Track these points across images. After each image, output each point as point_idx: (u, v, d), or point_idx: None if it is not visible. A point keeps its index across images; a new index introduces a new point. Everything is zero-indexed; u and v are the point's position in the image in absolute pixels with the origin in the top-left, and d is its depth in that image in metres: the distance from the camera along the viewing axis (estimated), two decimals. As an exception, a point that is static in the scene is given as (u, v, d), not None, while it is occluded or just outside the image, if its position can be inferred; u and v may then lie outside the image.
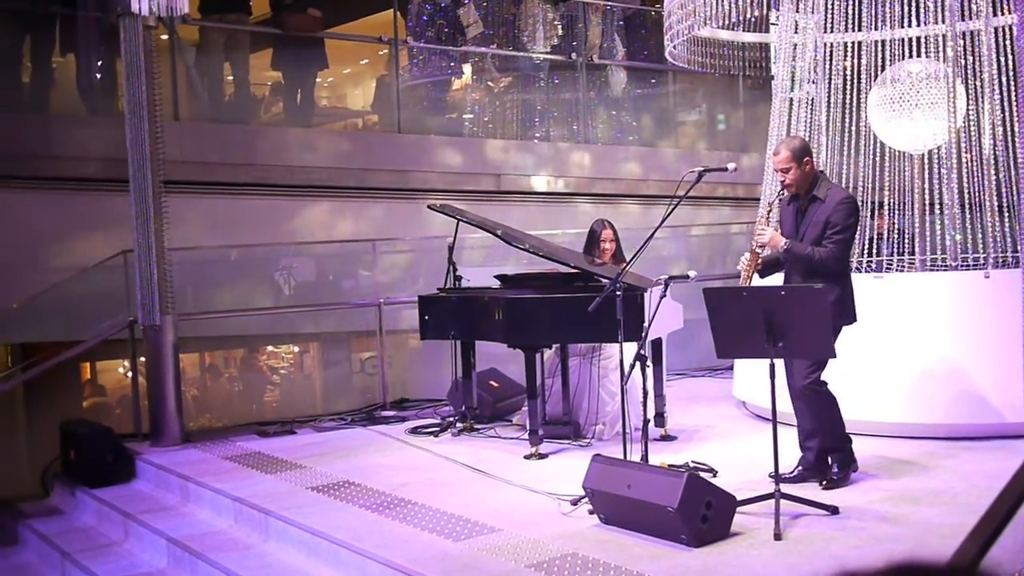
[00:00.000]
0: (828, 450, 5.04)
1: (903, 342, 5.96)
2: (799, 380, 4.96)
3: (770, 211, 5.08)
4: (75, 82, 8.52)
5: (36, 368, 7.59)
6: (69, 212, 7.99)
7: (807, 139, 6.46)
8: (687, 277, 5.28)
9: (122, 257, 7.64)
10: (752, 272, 4.97)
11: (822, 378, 4.96)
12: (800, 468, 5.09)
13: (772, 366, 4.49)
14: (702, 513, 4.22)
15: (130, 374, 9.65)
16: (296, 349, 10.63)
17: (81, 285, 7.97)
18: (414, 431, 6.91)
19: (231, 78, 9.20)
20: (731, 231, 10.67)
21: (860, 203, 6.64)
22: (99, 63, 8.58)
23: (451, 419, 6.94)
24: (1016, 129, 5.97)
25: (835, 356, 4.59)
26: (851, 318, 5.01)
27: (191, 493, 6.04)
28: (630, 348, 5.18)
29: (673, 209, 4.94)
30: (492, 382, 7.28)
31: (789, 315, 4.39)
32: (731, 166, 5.06)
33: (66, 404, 8.74)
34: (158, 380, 7.00)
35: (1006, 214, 6.34)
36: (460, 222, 6.74)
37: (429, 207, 6.91)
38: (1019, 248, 6.12)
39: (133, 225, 6.86)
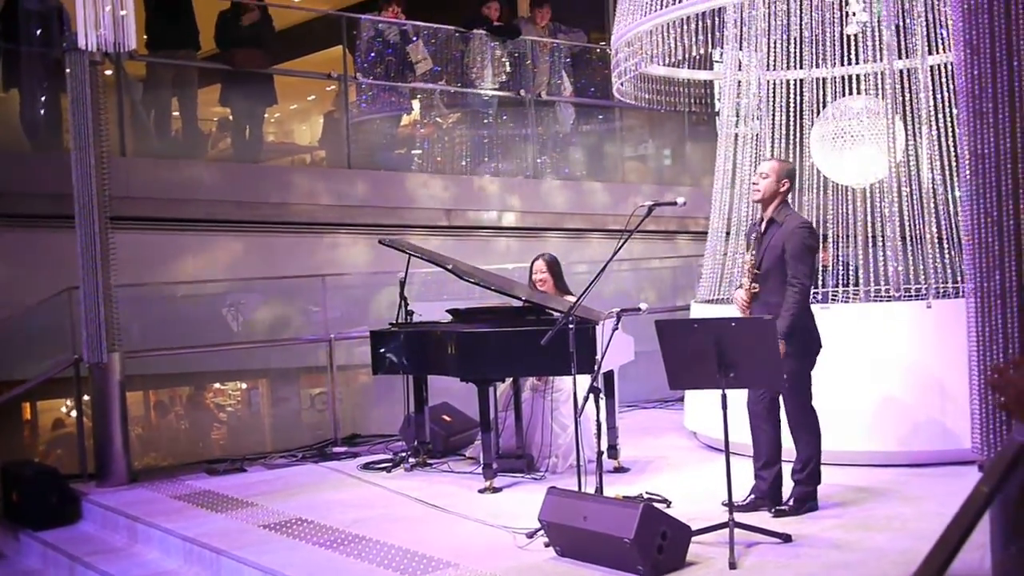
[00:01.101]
0: (797, 482, 5.09)
1: (848, 371, 6.08)
2: (788, 405, 5.05)
3: (749, 247, 5.15)
4: (19, 117, 8.41)
5: (-23, 408, 7.42)
6: (11, 249, 7.86)
7: (751, 174, 6.62)
8: (638, 310, 5.34)
9: (66, 295, 7.52)
10: (749, 306, 5.05)
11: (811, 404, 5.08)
12: (753, 496, 5.15)
13: (724, 396, 4.56)
14: (658, 543, 4.25)
15: (73, 413, 9.48)
16: (244, 386, 10.51)
17: (22, 323, 7.82)
18: (366, 467, 6.87)
19: (177, 114, 9.15)
20: (678, 265, 10.80)
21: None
22: (43, 98, 8.48)
23: (404, 454, 6.91)
24: (954, 163, 6.18)
25: (784, 387, 4.67)
26: (819, 344, 5.11)
27: (139, 533, 5.93)
28: (583, 381, 5.22)
29: (624, 242, 5.01)
30: (445, 416, 7.27)
31: (740, 346, 4.46)
32: (680, 200, 5.14)
33: (7, 445, 8.52)
34: (104, 418, 6.87)
35: (946, 246, 6.52)
36: (412, 256, 6.76)
37: (380, 242, 6.92)
38: (961, 279, 6.30)
39: (79, 262, 6.77)
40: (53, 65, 8.06)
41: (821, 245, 7.01)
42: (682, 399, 7.65)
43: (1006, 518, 2.13)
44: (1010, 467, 1.55)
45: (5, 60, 8.42)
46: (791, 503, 5.08)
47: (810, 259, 5.05)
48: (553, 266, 6.71)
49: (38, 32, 8.29)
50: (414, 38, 9.96)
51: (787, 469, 5.16)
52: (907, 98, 6.72)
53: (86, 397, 7.17)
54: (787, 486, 5.15)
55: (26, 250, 7.88)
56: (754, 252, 5.06)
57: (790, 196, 5.30)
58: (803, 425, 5.09)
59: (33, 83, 8.36)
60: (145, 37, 8.64)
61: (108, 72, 7.91)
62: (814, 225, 6.82)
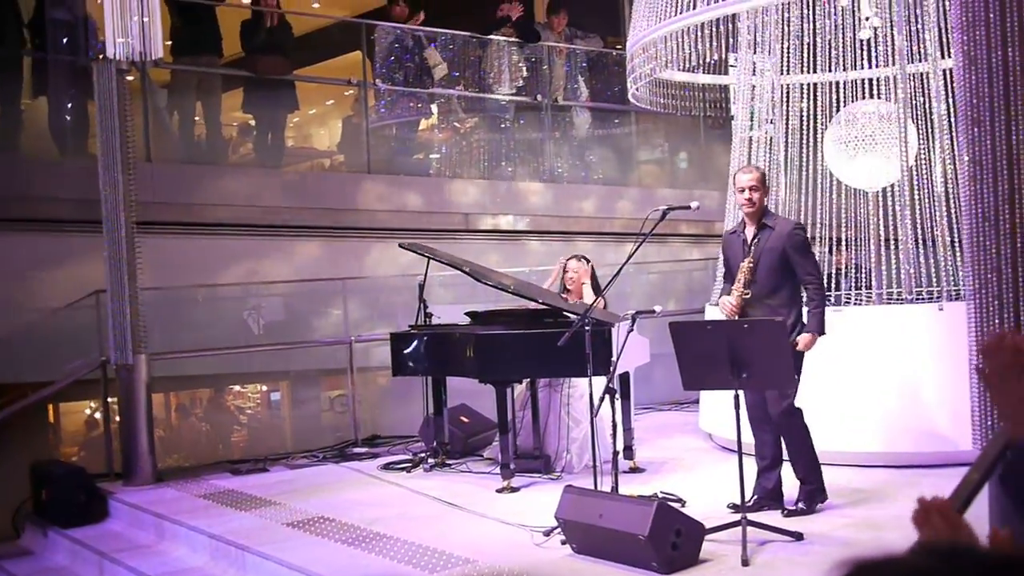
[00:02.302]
0: (802, 480, 5.18)
1: (862, 374, 6.15)
2: (773, 409, 5.10)
3: (748, 266, 5.21)
4: (47, 124, 8.58)
5: (6, 410, 7.57)
6: (39, 253, 8.02)
7: (769, 177, 6.71)
8: (653, 312, 5.43)
9: (93, 298, 7.68)
10: (739, 312, 5.13)
11: (796, 405, 5.11)
12: (757, 496, 5.21)
13: (737, 397, 4.65)
14: (672, 540, 4.34)
15: (98, 414, 9.64)
16: (265, 388, 10.66)
17: (49, 326, 7.98)
18: (386, 467, 6.99)
19: (198, 119, 9.30)
20: (695, 268, 10.87)
21: (815, 239, 6.90)
22: (70, 105, 8.65)
23: (423, 455, 7.03)
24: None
25: (796, 388, 4.76)
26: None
27: (166, 531, 6.07)
28: (599, 382, 5.33)
29: (639, 246, 5.10)
30: (463, 417, 7.38)
31: (752, 347, 4.55)
32: (694, 204, 5.23)
33: (34, 445, 8.69)
34: (131, 419, 7.02)
35: (958, 248, 6.58)
36: (431, 260, 6.88)
37: (400, 245, 7.04)
38: (964, 282, 6.36)
39: (106, 266, 6.92)
40: (80, 73, 8.23)
41: (835, 248, 7.11)
42: (697, 401, 7.73)
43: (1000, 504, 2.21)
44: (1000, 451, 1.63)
45: (34, 69, 8.58)
46: (801, 505, 5.14)
47: (813, 256, 5.29)
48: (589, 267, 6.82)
49: (65, 41, 8.46)
50: (431, 44, 10.08)
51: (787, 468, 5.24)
52: (920, 101, 6.79)
53: (112, 398, 7.33)
54: (788, 486, 5.22)
55: (54, 254, 8.05)
56: (752, 261, 5.11)
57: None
58: (791, 421, 5.11)
59: (60, 91, 8.53)
60: (169, 43, 8.79)
61: (130, 78, 8.06)
62: (829, 227, 6.95)
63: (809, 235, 6.96)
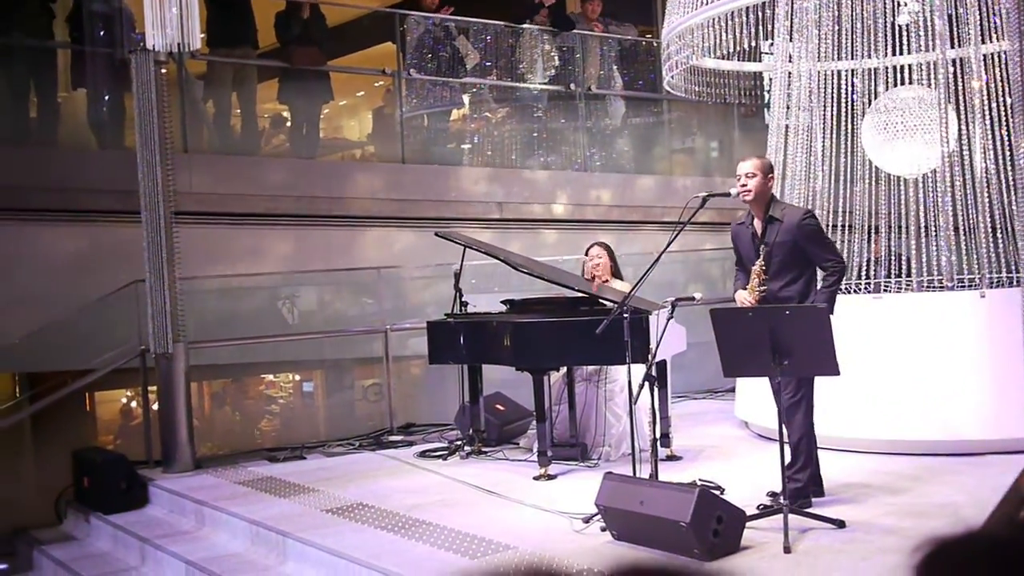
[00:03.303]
0: (789, 467, 5.02)
1: (902, 361, 6.11)
2: (787, 397, 4.99)
3: (760, 267, 5.14)
4: (85, 116, 8.67)
5: (48, 397, 7.68)
6: (78, 243, 8.12)
7: (805, 165, 6.69)
8: (693, 299, 5.41)
9: (132, 288, 7.76)
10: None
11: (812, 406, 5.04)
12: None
13: (778, 384, 4.63)
14: (713, 527, 4.34)
15: (135, 402, 9.76)
16: (298, 377, 10.74)
17: (89, 315, 8.08)
18: (423, 455, 7.02)
19: (238, 111, 9.37)
20: (727, 256, 10.82)
21: (851, 227, 6.84)
22: (107, 97, 8.74)
23: (459, 442, 7.06)
24: (1009, 153, 6.17)
25: (839, 373, 4.72)
26: None
27: (206, 517, 6.13)
28: (637, 370, 5.32)
29: (679, 232, 5.09)
30: (498, 405, 7.40)
31: (793, 334, 4.53)
32: (733, 191, 5.20)
33: (73, 432, 8.82)
34: (170, 407, 7.10)
35: (999, 235, 6.52)
36: (466, 249, 6.89)
37: (436, 234, 7.06)
38: (1018, 268, 6.30)
39: (145, 255, 6.98)
40: (118, 65, 8.30)
41: (873, 236, 7.06)
42: (732, 390, 7.71)
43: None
44: None
45: (72, 61, 8.67)
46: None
47: (828, 240, 5.17)
48: (609, 251, 6.84)
49: (102, 33, 8.54)
50: (456, 34, 10.08)
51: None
52: (959, 87, 6.71)
53: (151, 387, 7.40)
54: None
55: (93, 244, 8.15)
56: (763, 263, 5.02)
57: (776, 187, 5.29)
58: (799, 407, 5.03)
59: (98, 83, 8.62)
60: (204, 35, 8.85)
61: (163, 71, 8.13)
62: (867, 214, 6.89)
63: (846, 223, 6.93)
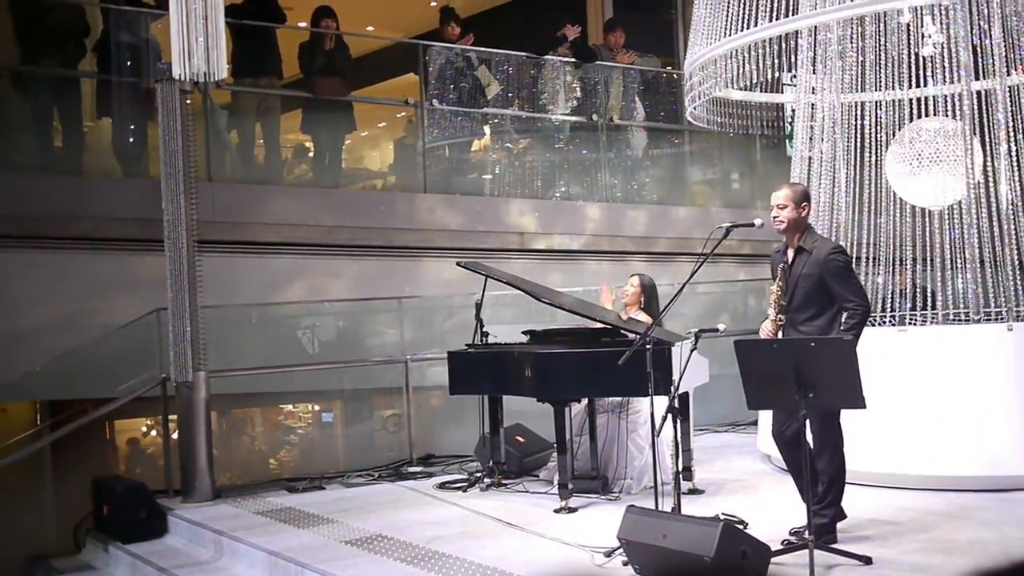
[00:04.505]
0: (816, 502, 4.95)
1: (926, 394, 6.03)
2: (820, 424, 4.92)
3: (775, 278, 5.13)
4: (110, 144, 8.74)
5: (69, 425, 7.68)
6: (101, 271, 8.15)
7: (829, 197, 6.64)
8: (716, 330, 5.35)
9: (153, 316, 7.78)
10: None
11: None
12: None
13: (804, 418, 4.57)
14: (738, 563, 4.27)
15: (155, 431, 9.76)
16: (317, 407, 10.72)
17: (110, 343, 8.10)
18: (442, 486, 6.97)
19: (261, 140, 9.42)
20: (752, 288, 10.75)
21: (874, 259, 6.77)
22: (132, 126, 8.81)
23: (479, 474, 7.00)
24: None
25: (865, 406, 4.65)
26: None
27: (225, 548, 6.09)
28: (660, 402, 5.26)
29: (702, 263, 5.06)
30: (518, 437, 7.35)
31: (818, 367, 4.46)
32: (758, 221, 5.16)
33: (94, 460, 8.82)
34: (190, 436, 7.08)
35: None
36: (488, 279, 6.87)
37: (458, 264, 7.05)
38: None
39: (168, 284, 6.99)
40: (143, 94, 8.38)
41: (898, 268, 6.99)
42: (755, 423, 7.63)
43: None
44: None
45: (98, 90, 8.75)
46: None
47: (855, 279, 5.05)
48: (648, 287, 6.81)
49: (129, 63, 8.62)
50: (478, 63, 10.13)
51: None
52: (984, 119, 6.66)
53: (172, 416, 7.40)
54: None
55: (115, 273, 8.17)
56: (781, 284, 5.00)
57: (813, 218, 5.22)
58: (829, 443, 4.96)
59: (123, 111, 8.69)
60: (229, 65, 8.92)
61: (188, 100, 8.20)
62: (891, 246, 6.82)
63: (870, 255, 6.86)
